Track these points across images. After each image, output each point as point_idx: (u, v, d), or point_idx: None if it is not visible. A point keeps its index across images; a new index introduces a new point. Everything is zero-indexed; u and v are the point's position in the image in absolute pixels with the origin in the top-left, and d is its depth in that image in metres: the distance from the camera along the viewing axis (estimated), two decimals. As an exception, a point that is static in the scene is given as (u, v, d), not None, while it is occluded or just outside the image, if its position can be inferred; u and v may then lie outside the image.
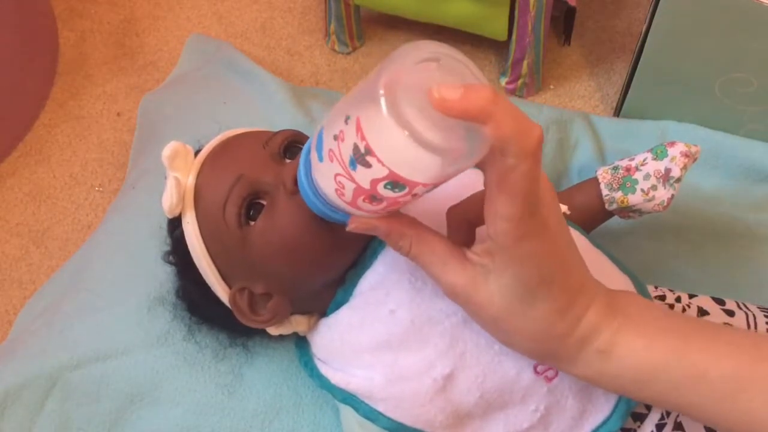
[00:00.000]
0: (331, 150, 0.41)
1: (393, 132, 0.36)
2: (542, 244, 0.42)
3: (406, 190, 0.40)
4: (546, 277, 0.42)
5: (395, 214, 0.46)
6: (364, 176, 0.40)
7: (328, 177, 0.42)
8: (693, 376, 0.43)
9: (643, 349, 0.44)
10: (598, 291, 0.45)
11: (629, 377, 0.44)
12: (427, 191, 0.41)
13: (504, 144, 0.37)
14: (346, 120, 0.39)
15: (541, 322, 0.44)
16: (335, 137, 0.40)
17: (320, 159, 0.43)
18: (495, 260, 0.43)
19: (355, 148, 0.38)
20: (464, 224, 0.47)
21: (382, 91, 0.36)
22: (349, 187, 0.41)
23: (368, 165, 0.39)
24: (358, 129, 0.38)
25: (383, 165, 0.38)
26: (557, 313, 0.43)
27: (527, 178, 0.39)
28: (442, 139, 0.37)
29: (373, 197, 0.41)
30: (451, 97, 0.36)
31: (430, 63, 0.39)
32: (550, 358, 0.46)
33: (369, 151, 0.38)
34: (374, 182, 0.39)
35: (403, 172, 0.38)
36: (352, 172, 0.40)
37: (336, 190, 0.42)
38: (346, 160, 0.40)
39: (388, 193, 0.40)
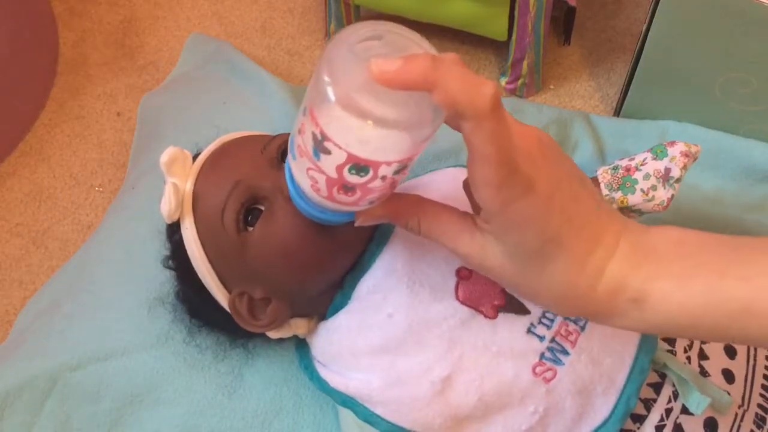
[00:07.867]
0: (299, 145, 0.41)
1: (340, 114, 0.36)
2: (534, 203, 0.39)
3: (371, 173, 0.39)
4: (551, 236, 0.39)
5: (399, 196, 0.45)
6: (328, 164, 0.39)
7: (302, 173, 0.42)
8: (736, 312, 0.39)
9: (678, 291, 0.40)
10: (620, 236, 0.41)
11: (670, 323, 0.41)
12: (397, 172, 0.40)
13: (456, 108, 0.36)
14: (304, 112, 0.39)
15: (561, 282, 0.41)
16: (299, 131, 0.40)
17: (293, 157, 0.43)
18: (493, 227, 0.41)
19: (314, 136, 0.38)
20: None
21: (325, 77, 0.36)
22: (321, 179, 0.41)
23: (328, 151, 0.38)
24: (312, 117, 0.38)
25: (340, 148, 0.38)
26: (574, 269, 0.40)
27: (492, 138, 0.37)
28: (390, 114, 0.36)
29: (345, 187, 0.41)
30: (389, 68, 0.36)
31: (373, 41, 0.38)
32: (584, 314, 0.43)
33: (324, 137, 0.38)
34: (339, 169, 0.39)
35: (361, 153, 0.38)
36: (318, 163, 0.40)
37: (311, 185, 0.42)
38: (311, 151, 0.40)
39: (355, 179, 0.40)
